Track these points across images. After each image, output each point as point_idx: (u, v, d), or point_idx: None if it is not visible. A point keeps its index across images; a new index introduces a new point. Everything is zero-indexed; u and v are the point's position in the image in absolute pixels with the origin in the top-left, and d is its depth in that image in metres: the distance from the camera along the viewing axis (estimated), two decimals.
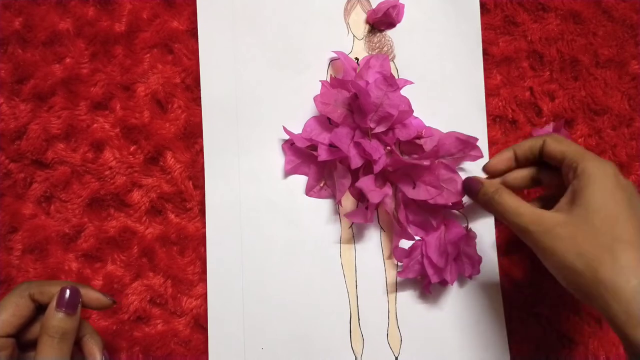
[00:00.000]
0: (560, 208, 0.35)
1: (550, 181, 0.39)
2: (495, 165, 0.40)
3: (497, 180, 0.40)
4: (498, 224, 0.44)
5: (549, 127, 0.44)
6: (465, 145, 0.42)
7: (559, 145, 0.37)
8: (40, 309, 0.34)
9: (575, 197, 0.34)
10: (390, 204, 0.41)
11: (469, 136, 0.42)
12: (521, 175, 0.40)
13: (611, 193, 0.33)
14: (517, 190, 0.40)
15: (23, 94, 0.43)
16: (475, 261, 0.41)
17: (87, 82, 0.43)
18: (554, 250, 0.33)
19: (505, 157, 0.40)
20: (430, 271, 0.41)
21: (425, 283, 0.41)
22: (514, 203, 0.36)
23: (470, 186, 0.40)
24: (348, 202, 0.43)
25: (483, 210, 0.44)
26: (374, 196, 0.40)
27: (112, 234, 0.42)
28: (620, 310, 0.31)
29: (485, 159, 0.42)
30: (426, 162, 0.39)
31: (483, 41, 0.45)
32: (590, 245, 0.32)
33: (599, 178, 0.34)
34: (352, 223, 0.43)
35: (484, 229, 0.44)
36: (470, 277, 0.42)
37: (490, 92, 0.45)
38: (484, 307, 0.43)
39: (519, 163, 0.40)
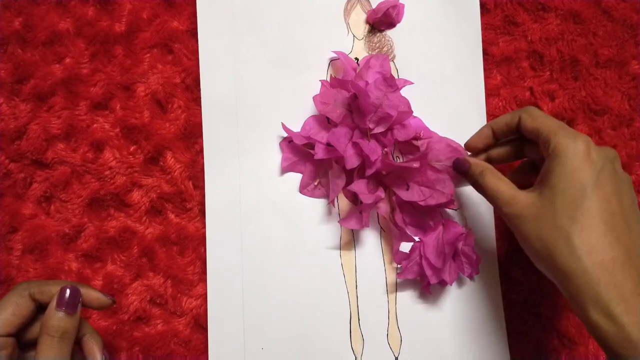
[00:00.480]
0: (534, 189, 0.35)
1: (533, 154, 0.39)
2: (474, 142, 0.41)
3: (483, 160, 0.40)
4: (498, 224, 0.44)
5: None
6: (455, 154, 0.42)
7: (533, 121, 0.36)
8: (40, 308, 0.34)
9: (544, 177, 0.34)
10: (384, 208, 0.42)
11: (459, 144, 0.42)
12: (504, 150, 0.41)
13: (577, 172, 0.33)
14: (503, 164, 0.42)
15: (23, 94, 0.43)
16: (474, 261, 0.41)
17: (87, 82, 0.43)
18: (521, 233, 0.35)
19: (484, 135, 0.40)
20: (428, 272, 0.41)
21: (425, 284, 0.41)
22: (494, 184, 0.37)
23: (460, 166, 0.40)
24: (343, 203, 0.43)
25: (483, 210, 0.44)
26: (367, 199, 0.40)
27: (112, 234, 0.42)
28: (574, 292, 0.31)
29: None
30: (416, 164, 0.39)
31: (483, 41, 0.45)
32: (549, 229, 0.33)
33: (568, 157, 0.33)
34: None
35: (484, 229, 0.44)
36: (470, 276, 0.42)
37: (490, 92, 0.45)
38: (484, 307, 0.43)
39: (498, 139, 0.40)
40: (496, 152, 0.41)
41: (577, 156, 0.33)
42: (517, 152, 0.41)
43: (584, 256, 0.31)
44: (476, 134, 0.41)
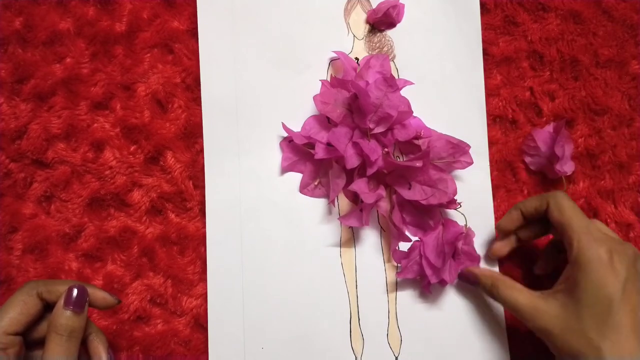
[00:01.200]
0: (555, 293, 0.35)
1: (558, 236, 0.39)
2: (505, 226, 0.41)
3: (489, 271, 0.41)
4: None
5: (549, 128, 0.44)
6: (456, 150, 0.42)
7: (560, 216, 0.37)
8: (47, 307, 0.35)
9: (569, 285, 0.35)
10: (384, 206, 0.42)
11: (460, 141, 0.42)
12: (532, 231, 0.41)
13: (602, 286, 0.33)
14: (530, 241, 0.42)
15: (23, 94, 0.43)
16: (475, 259, 0.42)
17: (87, 82, 0.43)
18: (550, 345, 0.35)
19: (514, 218, 0.40)
20: (428, 271, 0.41)
21: (425, 283, 0.41)
22: (510, 298, 0.37)
23: (468, 280, 0.41)
24: (344, 202, 0.43)
25: (483, 210, 0.44)
26: (368, 197, 0.40)
27: (112, 233, 0.42)
28: None
29: (476, 165, 0.42)
30: (418, 163, 0.39)
31: (483, 41, 0.45)
32: (579, 343, 0.33)
33: (592, 269, 0.34)
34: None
35: (484, 229, 0.44)
36: None
37: (490, 92, 0.45)
38: (484, 307, 0.43)
39: (527, 220, 0.40)
40: (523, 232, 0.41)
41: (602, 267, 0.33)
42: (544, 230, 0.41)
43: None
44: (506, 216, 0.41)
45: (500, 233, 0.42)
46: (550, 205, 0.38)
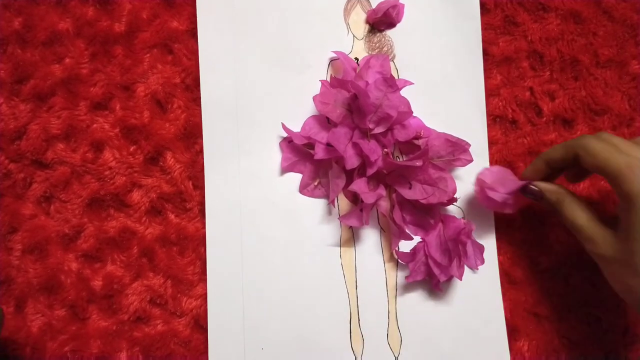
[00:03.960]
0: (613, 225, 0.35)
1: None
2: (530, 178, 0.40)
3: (555, 186, 0.39)
4: (498, 224, 0.44)
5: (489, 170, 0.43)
6: (455, 148, 0.42)
7: (594, 160, 0.35)
8: None
9: (621, 219, 0.34)
10: (385, 206, 0.41)
11: (459, 139, 0.42)
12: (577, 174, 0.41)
13: None
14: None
15: (23, 94, 0.43)
16: (478, 249, 0.42)
17: (87, 82, 0.43)
18: (608, 273, 0.35)
19: (538, 169, 0.40)
20: (436, 270, 0.41)
21: (434, 282, 0.42)
22: (573, 216, 0.36)
23: (532, 195, 0.40)
24: (343, 203, 0.43)
25: (483, 210, 0.44)
26: (368, 197, 0.40)
27: (112, 234, 0.42)
28: None
29: (476, 163, 0.42)
30: (418, 163, 0.39)
31: (483, 41, 0.45)
32: (634, 277, 0.33)
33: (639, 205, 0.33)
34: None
35: (484, 229, 0.44)
36: (476, 267, 0.42)
37: (490, 92, 0.45)
38: (484, 307, 0.43)
39: (555, 170, 0.39)
40: (557, 176, 0.41)
41: None
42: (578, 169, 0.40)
43: None
44: (530, 167, 0.40)
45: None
46: (581, 154, 0.36)
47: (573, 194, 0.38)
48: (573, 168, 0.40)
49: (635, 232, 0.33)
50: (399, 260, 0.42)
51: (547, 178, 0.40)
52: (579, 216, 0.36)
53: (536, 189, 0.39)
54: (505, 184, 0.41)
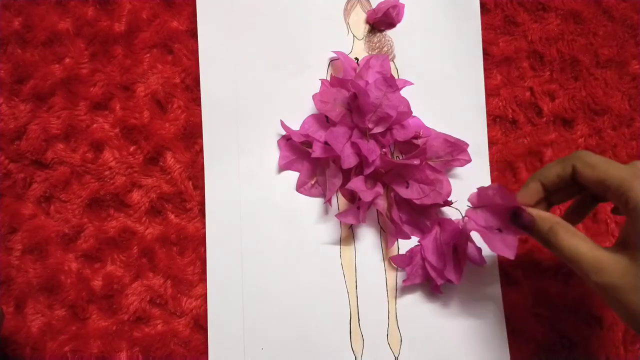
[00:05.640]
0: (619, 249, 0.31)
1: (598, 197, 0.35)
2: (524, 202, 0.35)
3: (548, 214, 0.34)
4: None
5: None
6: (454, 148, 0.42)
7: (594, 172, 0.32)
8: None
9: (632, 238, 0.30)
10: (382, 204, 0.41)
11: (458, 139, 0.42)
12: (577, 210, 0.37)
13: None
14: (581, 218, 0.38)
15: (23, 94, 0.43)
16: (476, 253, 0.41)
17: (87, 82, 0.43)
18: (622, 303, 0.30)
19: (533, 191, 0.35)
20: (433, 274, 0.41)
21: (433, 285, 0.41)
22: (572, 245, 0.31)
23: (522, 222, 0.34)
24: (343, 202, 0.43)
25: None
26: (366, 195, 0.40)
27: (112, 234, 0.42)
28: None
29: (476, 165, 0.42)
30: (416, 161, 0.39)
31: (483, 41, 0.45)
32: None
33: None
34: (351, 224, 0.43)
35: None
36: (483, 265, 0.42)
37: (490, 92, 0.45)
38: (484, 307, 0.43)
39: (550, 192, 0.35)
40: (568, 214, 0.37)
41: None
42: (590, 206, 0.36)
43: None
44: (523, 190, 0.35)
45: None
46: (578, 167, 0.32)
47: (568, 223, 0.33)
48: (571, 194, 0.36)
49: None
50: (394, 265, 0.42)
51: (544, 208, 0.36)
52: (578, 244, 0.31)
53: (529, 214, 0.34)
54: (496, 210, 0.36)
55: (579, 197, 0.37)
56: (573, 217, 0.38)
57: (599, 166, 0.32)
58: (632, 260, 0.30)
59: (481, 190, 0.36)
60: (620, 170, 0.31)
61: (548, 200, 0.36)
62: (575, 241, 0.32)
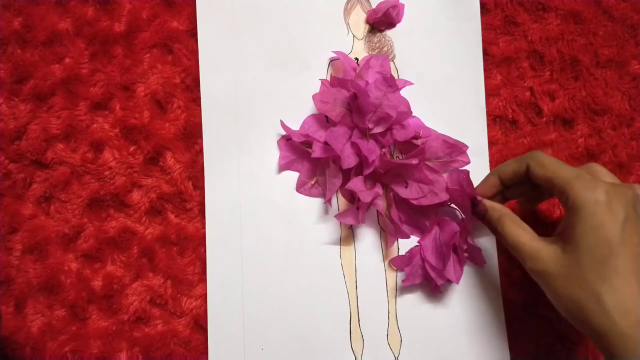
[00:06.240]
0: (556, 240, 0.34)
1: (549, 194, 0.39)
2: (482, 193, 0.40)
3: (499, 205, 0.39)
4: None
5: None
6: (453, 150, 0.42)
7: (544, 170, 0.35)
8: None
9: (567, 232, 0.33)
10: (381, 204, 0.41)
11: (457, 141, 0.42)
12: (516, 194, 0.40)
13: (600, 227, 0.32)
14: (530, 207, 0.42)
15: (22, 94, 0.43)
16: (475, 252, 0.42)
17: (87, 82, 0.43)
18: (551, 290, 0.34)
19: (491, 184, 0.39)
20: (433, 274, 0.41)
21: (433, 285, 0.41)
22: (514, 234, 0.36)
23: (476, 209, 0.39)
24: (342, 203, 0.43)
25: None
26: (365, 196, 0.40)
27: (112, 234, 0.42)
28: (613, 351, 0.31)
29: (476, 165, 0.42)
30: (414, 161, 0.40)
31: (483, 41, 0.45)
32: (579, 289, 0.32)
33: (589, 211, 0.32)
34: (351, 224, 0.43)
35: (484, 229, 0.43)
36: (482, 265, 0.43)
37: (490, 92, 0.45)
38: (484, 307, 0.43)
39: (507, 186, 0.39)
40: (508, 194, 0.40)
41: (599, 209, 0.32)
42: (540, 197, 0.40)
43: (619, 319, 0.30)
44: (483, 182, 0.40)
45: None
46: (531, 165, 0.36)
47: (515, 215, 0.37)
48: (525, 191, 0.40)
49: (582, 243, 0.32)
50: (393, 266, 0.42)
51: (500, 200, 0.40)
52: (520, 234, 0.36)
53: (483, 204, 0.39)
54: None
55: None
56: (526, 204, 0.42)
57: (549, 166, 0.35)
58: (563, 251, 0.33)
59: (454, 172, 0.41)
60: (566, 171, 0.34)
61: (503, 194, 0.40)
62: (519, 232, 0.36)
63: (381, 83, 0.40)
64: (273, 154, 0.43)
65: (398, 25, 0.45)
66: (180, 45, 0.44)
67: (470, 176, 0.40)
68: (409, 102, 0.42)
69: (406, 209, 0.42)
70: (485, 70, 0.45)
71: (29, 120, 0.43)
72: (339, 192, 0.43)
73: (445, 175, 0.41)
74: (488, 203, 0.39)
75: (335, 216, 0.42)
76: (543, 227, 0.44)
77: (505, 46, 0.45)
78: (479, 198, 0.39)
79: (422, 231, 0.42)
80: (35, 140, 0.43)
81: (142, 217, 0.43)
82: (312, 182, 0.43)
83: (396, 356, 0.42)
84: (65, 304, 0.42)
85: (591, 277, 0.31)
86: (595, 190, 0.33)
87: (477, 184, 0.40)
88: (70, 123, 0.43)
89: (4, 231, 0.42)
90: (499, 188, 0.39)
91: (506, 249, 0.43)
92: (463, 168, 0.42)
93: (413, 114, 0.42)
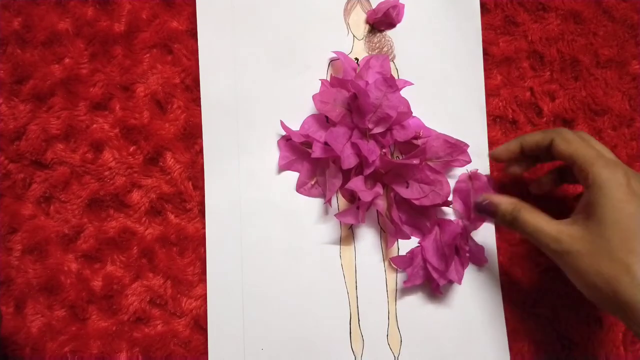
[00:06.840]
0: (576, 220, 0.35)
1: (567, 178, 0.41)
2: (499, 153, 0.41)
3: (509, 198, 0.39)
4: (498, 224, 0.44)
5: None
6: (454, 149, 0.42)
7: (568, 146, 0.36)
8: None
9: (589, 209, 0.34)
10: (382, 204, 0.41)
11: (458, 140, 0.42)
12: (545, 180, 0.42)
13: (624, 204, 0.33)
14: (545, 192, 0.42)
15: (22, 95, 0.43)
16: (477, 252, 0.42)
17: (87, 83, 0.43)
18: (576, 269, 0.34)
19: (511, 149, 0.40)
20: (435, 275, 0.41)
21: (434, 286, 0.41)
22: (535, 222, 0.36)
23: (486, 210, 0.39)
24: (342, 203, 0.43)
25: None
26: (365, 195, 0.40)
27: (112, 234, 0.42)
28: None
29: (476, 165, 0.43)
30: (415, 161, 0.40)
31: (483, 41, 0.45)
32: (608, 263, 0.32)
33: (611, 189, 0.33)
34: (351, 224, 0.43)
35: (484, 229, 0.44)
36: (482, 265, 0.43)
37: (491, 92, 0.45)
38: (484, 307, 0.43)
39: (525, 155, 0.40)
40: (536, 184, 0.42)
41: (621, 188, 0.33)
42: (556, 179, 0.41)
43: None
44: (504, 145, 0.41)
45: (494, 160, 0.43)
46: (556, 140, 0.37)
47: (528, 204, 0.38)
48: (528, 167, 0.41)
49: (607, 218, 0.33)
50: (395, 266, 0.42)
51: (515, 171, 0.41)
52: (539, 219, 0.36)
53: (490, 203, 0.39)
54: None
55: (548, 172, 0.42)
56: (537, 188, 0.43)
57: (573, 143, 0.36)
58: (585, 229, 0.34)
59: (467, 175, 0.43)
60: (588, 150, 0.36)
61: (517, 162, 0.41)
62: (537, 218, 0.36)
63: (381, 83, 0.40)
64: (273, 154, 0.43)
65: (398, 25, 0.45)
66: (180, 46, 0.44)
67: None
68: (409, 102, 0.42)
69: (407, 209, 0.42)
70: (485, 70, 0.45)
71: (29, 120, 0.43)
72: (339, 192, 0.43)
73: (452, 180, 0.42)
74: (497, 199, 0.39)
75: (335, 215, 0.42)
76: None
77: (506, 46, 0.45)
78: (486, 197, 0.39)
79: (422, 232, 0.42)
80: (35, 140, 0.43)
81: (142, 218, 0.43)
82: (312, 182, 0.43)
83: (396, 356, 0.42)
84: (65, 305, 0.42)
85: (620, 250, 0.32)
86: (615, 169, 0.34)
87: (497, 148, 0.42)
88: (70, 123, 0.43)
89: (4, 231, 0.42)
90: (516, 155, 0.40)
91: (506, 249, 0.44)
92: (470, 169, 0.43)
93: (413, 114, 0.42)
